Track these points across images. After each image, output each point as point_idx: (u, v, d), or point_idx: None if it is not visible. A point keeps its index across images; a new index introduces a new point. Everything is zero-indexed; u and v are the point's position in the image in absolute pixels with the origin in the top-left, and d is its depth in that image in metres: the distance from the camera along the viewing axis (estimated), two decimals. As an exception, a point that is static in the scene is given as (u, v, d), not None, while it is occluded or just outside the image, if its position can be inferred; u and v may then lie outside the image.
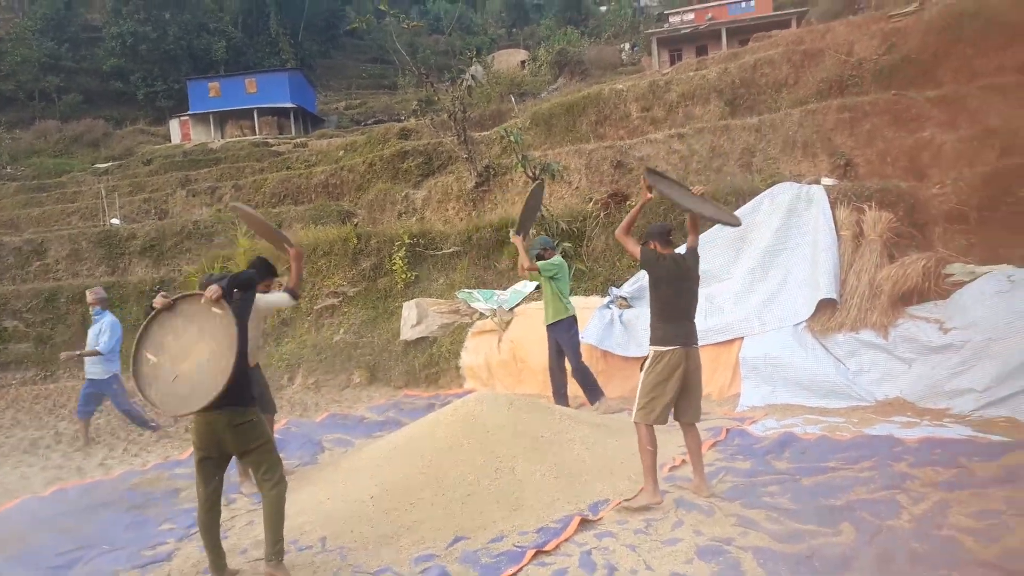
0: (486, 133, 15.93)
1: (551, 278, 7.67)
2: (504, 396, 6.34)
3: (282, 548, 4.25)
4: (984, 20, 11.97)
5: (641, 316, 7.83)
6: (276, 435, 6.72)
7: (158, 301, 4.15)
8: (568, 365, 7.77)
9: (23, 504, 6.06)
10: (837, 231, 8.16)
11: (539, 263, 7.72)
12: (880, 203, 8.24)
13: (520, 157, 10.65)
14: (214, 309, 4.07)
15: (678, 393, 4.92)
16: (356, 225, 12.93)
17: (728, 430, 6.48)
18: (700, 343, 7.65)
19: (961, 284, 7.13)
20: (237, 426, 4.18)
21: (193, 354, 4.03)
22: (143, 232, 16.59)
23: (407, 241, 11.26)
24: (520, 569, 4.17)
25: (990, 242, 7.84)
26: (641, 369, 4.99)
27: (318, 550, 4.65)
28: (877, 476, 4.97)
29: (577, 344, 7.75)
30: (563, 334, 7.69)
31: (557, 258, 7.86)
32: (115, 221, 18.98)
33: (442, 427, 5.79)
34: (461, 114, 13.58)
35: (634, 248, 5.11)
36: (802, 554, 4.03)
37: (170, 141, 35.15)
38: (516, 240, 7.89)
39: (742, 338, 7.80)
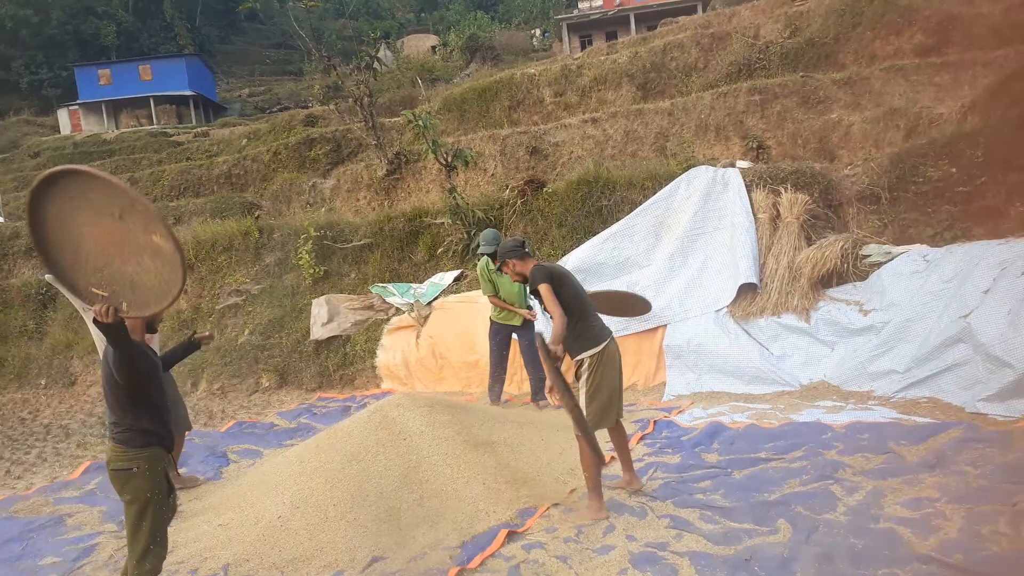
0: (397, 119, 15.35)
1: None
2: (422, 397, 5.97)
3: None
4: (881, 3, 12.25)
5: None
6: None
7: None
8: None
9: None
10: (754, 214, 8.09)
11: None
12: (795, 185, 8.21)
13: (431, 143, 10.17)
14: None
15: None
16: (258, 217, 12.16)
17: (655, 422, 6.30)
18: (624, 332, 7.46)
19: (878, 265, 7.15)
20: (111, 470, 3.65)
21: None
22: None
23: (314, 233, 10.61)
24: (443, 591, 3.85)
25: (901, 222, 7.93)
26: (577, 377, 4.62)
27: (219, 580, 4.21)
28: (809, 466, 4.84)
29: None
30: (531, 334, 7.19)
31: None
32: (-2, 219, 17.57)
33: (355, 435, 5.36)
34: (368, 99, 12.96)
35: (558, 312, 4.43)
36: (740, 557, 3.84)
37: (59, 132, 32.95)
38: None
39: (665, 326, 7.65)
